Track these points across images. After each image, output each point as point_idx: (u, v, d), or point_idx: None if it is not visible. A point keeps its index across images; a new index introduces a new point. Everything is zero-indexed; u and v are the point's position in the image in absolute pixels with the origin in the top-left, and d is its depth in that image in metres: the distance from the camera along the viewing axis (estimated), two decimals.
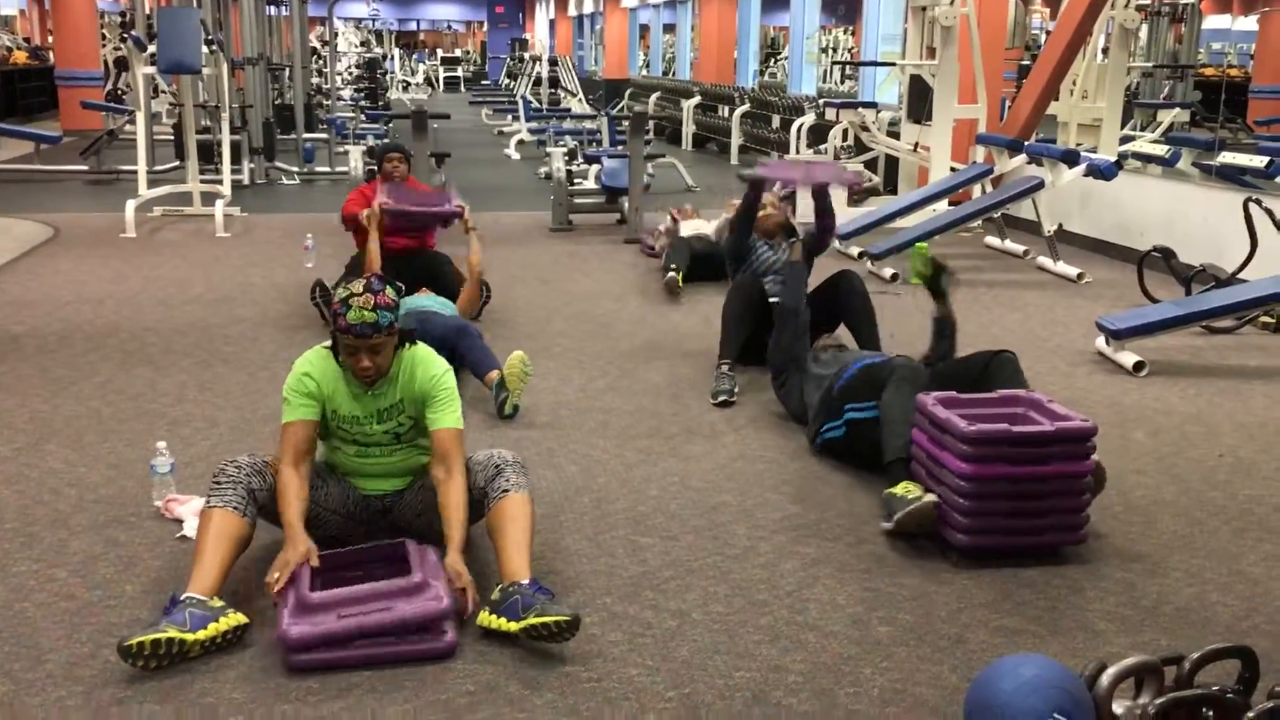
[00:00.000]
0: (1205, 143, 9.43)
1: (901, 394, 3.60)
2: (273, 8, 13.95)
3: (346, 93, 19.51)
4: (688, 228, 7.42)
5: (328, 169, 12.18)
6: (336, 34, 18.89)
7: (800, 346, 4.43)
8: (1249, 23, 13.58)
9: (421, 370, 3.06)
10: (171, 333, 5.66)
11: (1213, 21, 13.56)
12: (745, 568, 3.14)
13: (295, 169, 11.92)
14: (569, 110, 16.43)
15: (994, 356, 3.79)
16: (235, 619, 2.68)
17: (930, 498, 3.18)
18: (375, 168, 6.39)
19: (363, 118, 15.35)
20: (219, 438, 4.12)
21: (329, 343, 3.08)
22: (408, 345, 3.09)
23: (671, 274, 6.59)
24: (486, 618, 2.70)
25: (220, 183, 9.25)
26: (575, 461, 3.95)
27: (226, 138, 9.62)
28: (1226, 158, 8.19)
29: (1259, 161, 7.65)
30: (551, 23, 36.23)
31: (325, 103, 15.37)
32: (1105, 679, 2.21)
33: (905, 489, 3.30)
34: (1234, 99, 13.11)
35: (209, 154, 9.95)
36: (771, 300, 5.07)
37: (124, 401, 4.56)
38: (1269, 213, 5.96)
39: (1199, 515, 3.55)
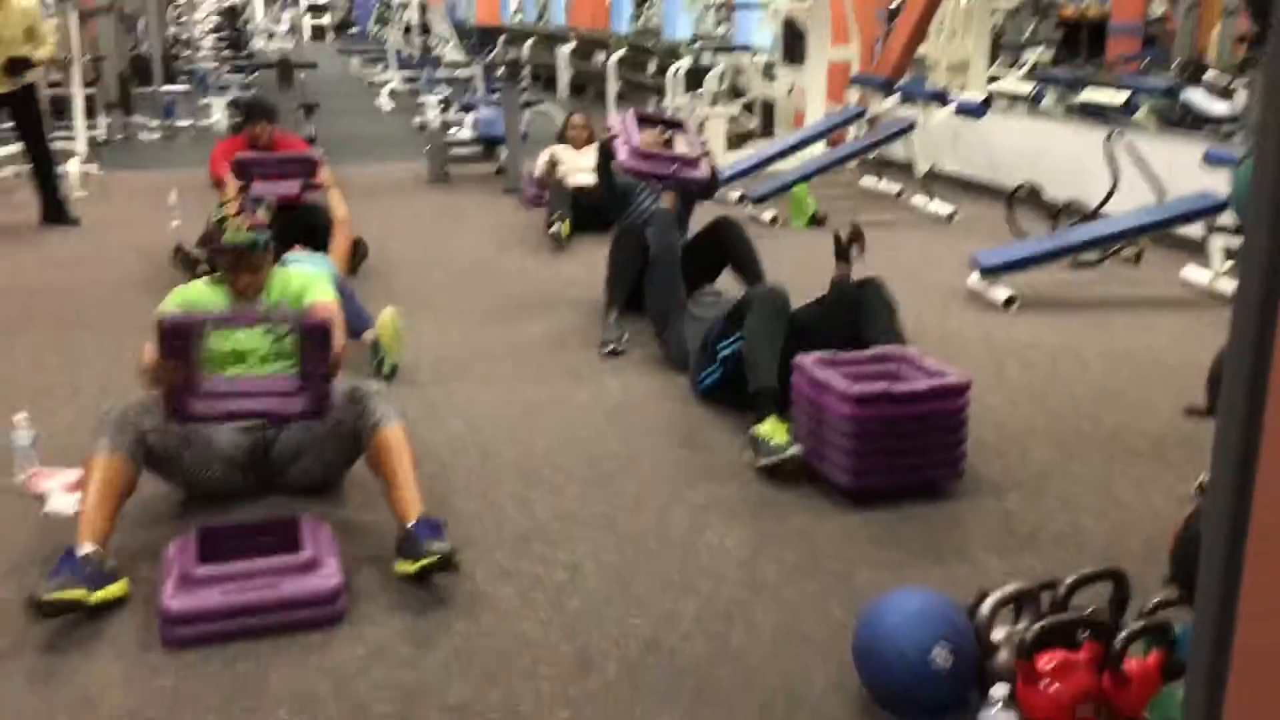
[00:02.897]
0: (1068, 80, 9.68)
1: (764, 319, 3.65)
2: None
3: (208, 42, 18.74)
4: (573, 163, 7.17)
5: (190, 122, 11.71)
6: None
7: (674, 293, 4.45)
8: None
9: (294, 279, 3.33)
10: (27, 297, 5.40)
11: None
12: (635, 517, 3.14)
13: (155, 123, 11.43)
14: (442, 59, 16.07)
15: (864, 282, 3.85)
16: (120, 588, 2.63)
17: (794, 450, 3.27)
18: (240, 121, 6.18)
19: (226, 68, 14.78)
20: (83, 407, 3.94)
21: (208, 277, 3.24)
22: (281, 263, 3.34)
23: (556, 226, 6.49)
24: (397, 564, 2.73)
25: (74, 139, 8.81)
26: (460, 416, 3.90)
27: (79, 92, 9.15)
28: (1088, 95, 8.42)
29: (1119, 98, 7.88)
30: None
31: (185, 53, 14.74)
32: (985, 607, 2.28)
33: (771, 429, 3.36)
34: (1093, 37, 13.48)
35: (62, 110, 9.46)
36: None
37: None
38: (1130, 147, 6.15)
39: (1071, 444, 3.68)
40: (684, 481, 3.37)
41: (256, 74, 14.07)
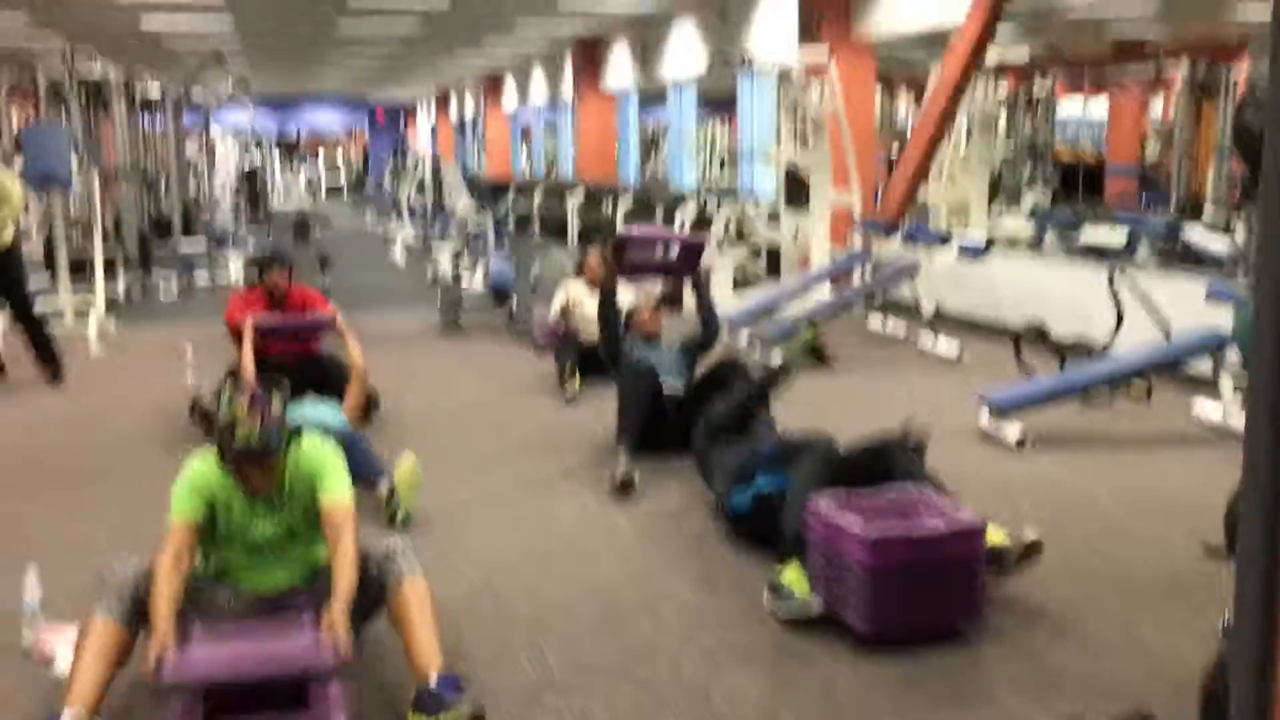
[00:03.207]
0: (1068, 221, 9.87)
1: (815, 471, 3.62)
2: (147, 119, 13.78)
3: (226, 201, 19.26)
4: (593, 300, 7.10)
5: (209, 279, 11.95)
6: (213, 143, 18.72)
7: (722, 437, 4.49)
8: (1100, 108, 14.35)
9: (306, 457, 3.04)
10: (43, 456, 5.43)
11: (1066, 108, 14.29)
12: (649, 664, 3.09)
13: (173, 280, 11.66)
14: (453, 212, 16.45)
15: (897, 444, 3.83)
16: None
17: (815, 607, 3.23)
18: (258, 275, 6.30)
19: (243, 226, 15.16)
20: (97, 566, 3.89)
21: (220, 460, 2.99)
22: (294, 441, 3.05)
23: (570, 384, 6.49)
24: (411, 718, 2.68)
25: (93, 298, 8.99)
26: (472, 564, 3.87)
27: (99, 252, 9.39)
28: (1089, 235, 8.57)
29: (1119, 237, 8.02)
30: (433, 128, 36.48)
31: (204, 214, 15.15)
32: None
33: (794, 578, 3.32)
34: (1090, 179, 13.79)
35: (82, 269, 9.68)
36: (667, 394, 5.11)
37: None
38: (1132, 286, 6.22)
39: (1090, 584, 3.63)
40: (699, 625, 3.32)
41: (273, 232, 14.40)
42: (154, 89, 13.11)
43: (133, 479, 4.93)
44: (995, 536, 3.34)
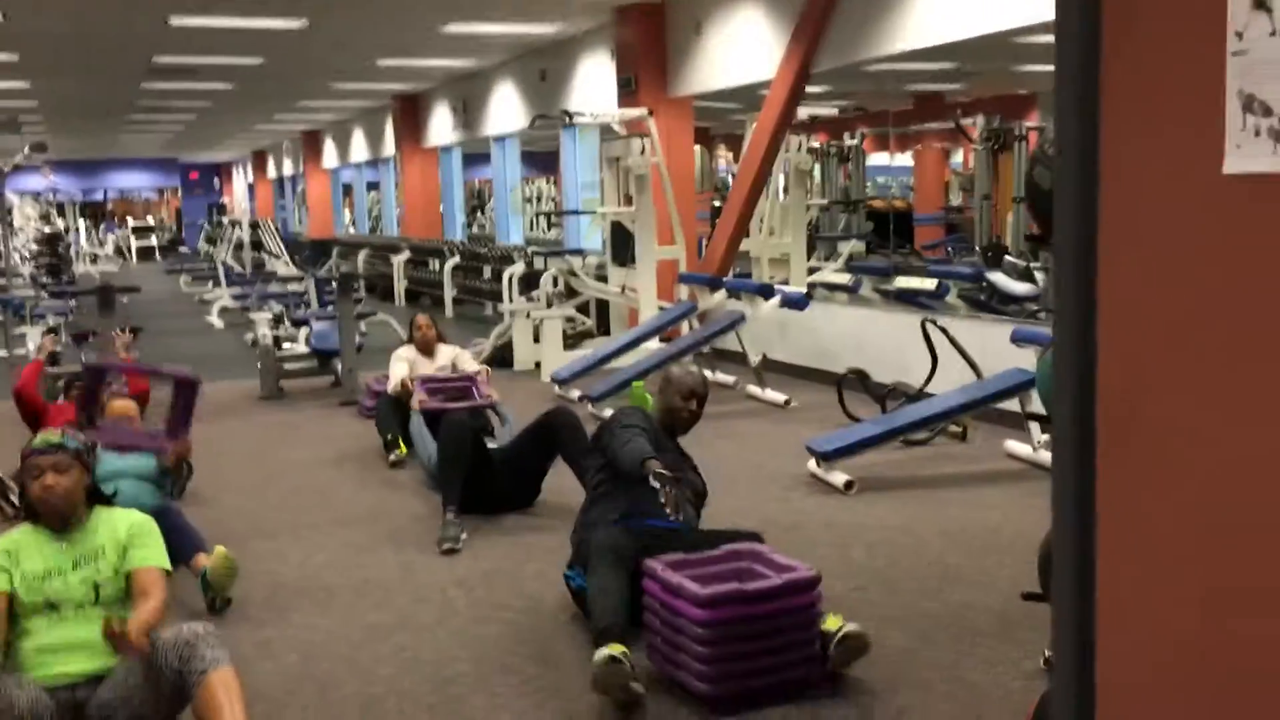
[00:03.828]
0: (883, 269, 10.24)
1: (606, 570, 3.42)
2: None
3: (26, 269, 18.23)
4: (431, 365, 6.91)
5: (3, 353, 11.22)
6: (11, 209, 17.72)
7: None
8: (906, 159, 15.04)
9: (121, 516, 3.09)
10: None
11: (875, 159, 14.92)
12: None
13: None
14: (274, 273, 15.99)
15: (739, 539, 3.77)
16: None
17: (604, 652, 3.04)
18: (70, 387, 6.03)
19: (44, 296, 14.34)
20: None
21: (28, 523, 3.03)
22: (107, 504, 3.12)
23: (395, 454, 6.25)
24: None
25: None
26: (295, 649, 3.68)
27: None
28: (902, 282, 8.90)
29: (930, 284, 8.36)
30: (250, 186, 35.51)
31: (0, 282, 14.26)
32: None
33: (610, 649, 3.09)
34: (901, 227, 14.39)
35: None
36: (490, 446, 5.09)
37: None
38: (944, 330, 6.48)
39: (921, 626, 3.70)
40: (537, 699, 3.23)
41: (76, 300, 13.67)
42: None
43: None
44: (831, 622, 3.30)
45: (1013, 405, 5.96)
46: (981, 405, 5.92)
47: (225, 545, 4.11)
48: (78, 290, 14.13)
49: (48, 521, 3.00)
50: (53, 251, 19.28)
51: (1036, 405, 5.70)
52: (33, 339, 11.21)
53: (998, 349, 6.12)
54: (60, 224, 23.91)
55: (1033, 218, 1.92)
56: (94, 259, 27.18)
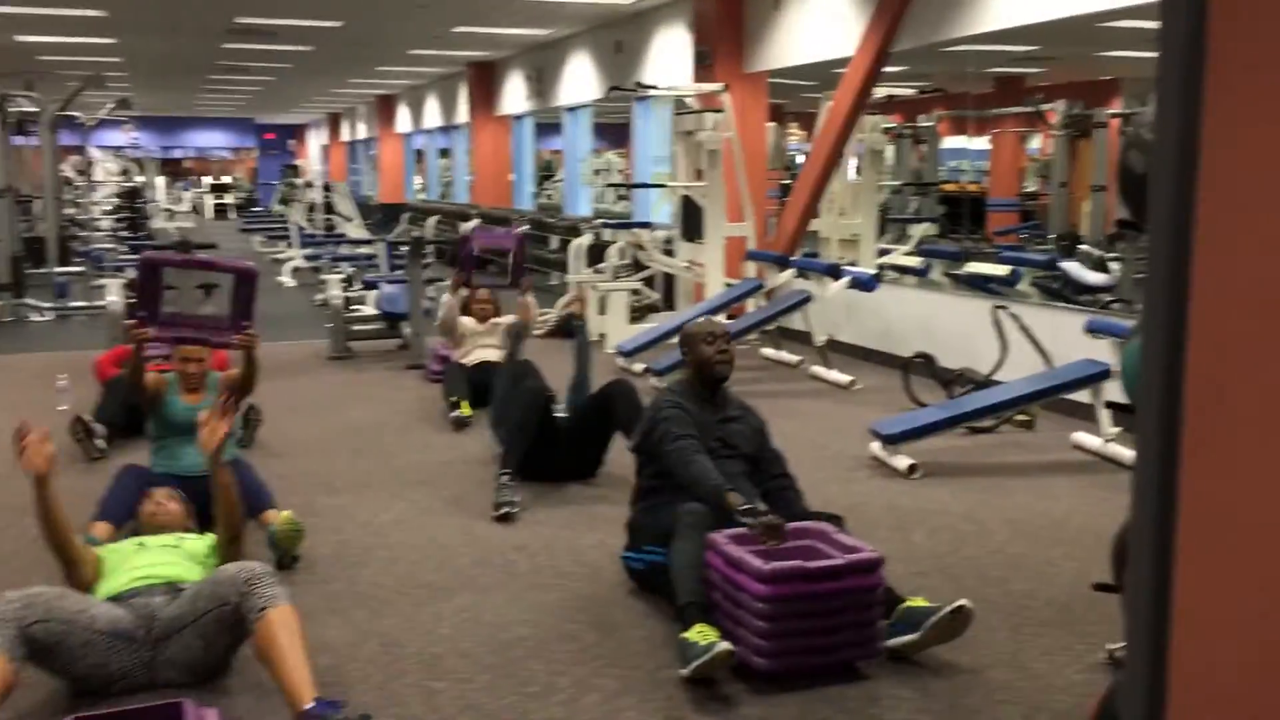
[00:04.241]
0: (953, 254, 10.12)
1: (688, 543, 3.43)
2: (21, 138, 13.26)
3: (105, 223, 18.63)
4: (480, 333, 7.09)
5: (84, 304, 11.51)
6: (92, 163, 18.11)
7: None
8: (983, 142, 14.80)
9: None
10: None
11: (950, 142, 14.71)
12: (545, 705, 3.03)
13: (47, 305, 11.21)
14: (345, 236, 16.19)
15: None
16: None
17: (724, 646, 3.05)
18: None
19: (123, 249, 14.66)
20: None
21: None
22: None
23: (458, 412, 6.39)
24: None
25: None
26: (361, 604, 3.76)
27: None
28: (973, 267, 8.79)
29: (1002, 270, 8.24)
30: (324, 148, 35.91)
31: (81, 234, 14.63)
32: None
33: (700, 633, 3.13)
34: (973, 212, 14.19)
35: None
36: (557, 415, 5.10)
37: None
38: (1015, 318, 6.39)
39: (981, 613, 3.66)
40: (595, 666, 3.27)
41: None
42: (28, 106, 12.62)
43: (2, 516, 4.69)
44: (915, 600, 3.31)
45: (1083, 396, 5.88)
46: (1051, 395, 5.84)
47: (293, 501, 4.21)
48: (156, 244, 14.43)
49: None
50: (131, 206, 19.65)
51: (1113, 394, 5.63)
52: (112, 291, 11.48)
53: (1069, 339, 6.03)
54: (139, 180, 24.35)
55: (1124, 203, 1.88)
56: (170, 215, 27.69)
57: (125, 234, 17.55)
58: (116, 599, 3.10)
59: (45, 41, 14.89)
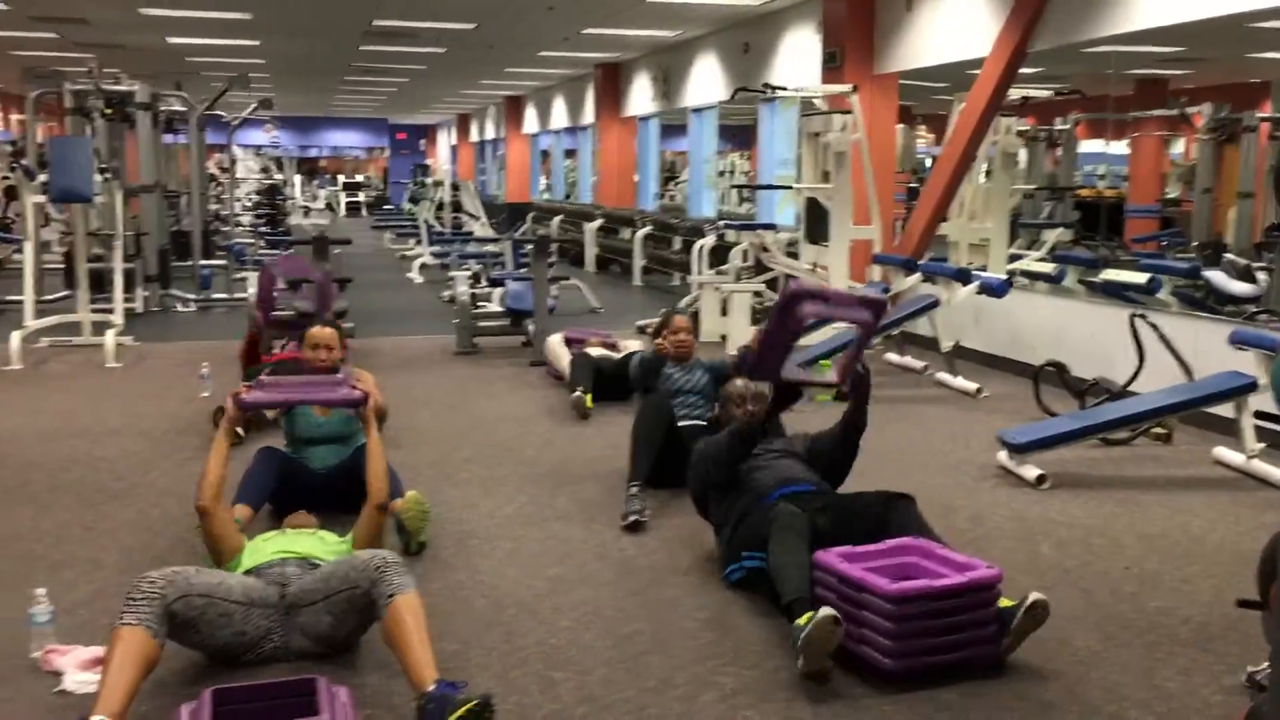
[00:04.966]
0: (1089, 260, 9.81)
1: (785, 544, 3.48)
2: (170, 136, 13.86)
3: (246, 219, 19.36)
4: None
5: (225, 295, 11.98)
6: (235, 161, 18.81)
7: (727, 469, 4.30)
8: (1122, 146, 14.32)
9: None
10: (56, 468, 5.41)
11: (1087, 145, 14.26)
12: (663, 700, 3.04)
13: (191, 296, 11.70)
14: (472, 234, 16.51)
15: (891, 500, 3.75)
16: None
17: (828, 611, 3.08)
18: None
19: (262, 243, 15.21)
20: (104, 581, 3.90)
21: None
22: None
23: (578, 394, 6.53)
24: None
25: (112, 311, 9.02)
26: (483, 594, 3.83)
27: (119, 266, 9.42)
28: (1109, 274, 8.51)
29: (1140, 278, 7.97)
30: (453, 148, 36.66)
31: (224, 229, 15.23)
32: None
33: (808, 618, 3.15)
34: (1110, 218, 13.74)
35: (101, 283, 9.71)
36: (680, 424, 5.06)
37: (2, 544, 4.31)
38: (1154, 327, 6.17)
39: (1111, 629, 3.56)
40: (714, 664, 3.27)
41: (293, 249, 14.45)
42: (178, 105, 13.18)
43: (145, 498, 4.90)
44: (1005, 601, 3.27)
45: (1224, 410, 5.65)
46: (1190, 407, 5.63)
47: (419, 492, 4.30)
48: (294, 239, 14.92)
49: None
50: (271, 203, 20.39)
51: (1261, 407, 5.40)
52: (252, 283, 11.92)
53: (1211, 350, 5.81)
54: (278, 177, 25.25)
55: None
56: (306, 212, 28.64)
57: (264, 229, 18.22)
58: (251, 572, 3.28)
59: (194, 44, 15.53)
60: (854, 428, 4.13)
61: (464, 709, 2.63)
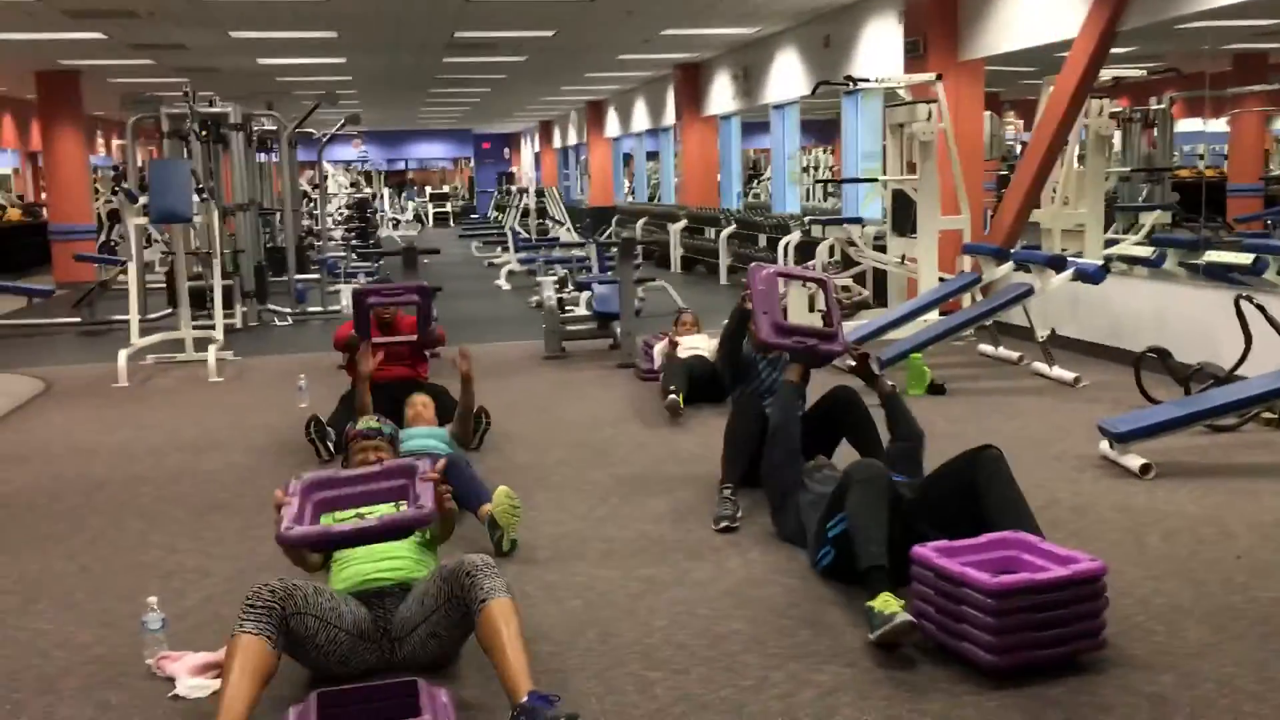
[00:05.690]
0: (1189, 242, 9.52)
1: (864, 496, 3.55)
2: (263, 154, 14.22)
3: (338, 233, 19.77)
4: (686, 343, 7.36)
5: (320, 308, 12.25)
6: (326, 176, 19.24)
7: (792, 468, 4.35)
8: (1220, 124, 13.88)
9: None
10: (164, 481, 5.58)
11: (1185, 124, 13.85)
12: (760, 699, 3.02)
13: (288, 310, 11.99)
14: (558, 239, 16.64)
15: (977, 454, 3.71)
16: None
17: (905, 618, 3.16)
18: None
19: (354, 257, 15.52)
20: (213, 589, 4.01)
21: None
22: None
23: (672, 396, 6.52)
24: None
25: (213, 328, 9.28)
26: (578, 595, 3.85)
27: (218, 283, 9.69)
28: (1212, 256, 8.25)
29: (1245, 259, 7.70)
30: (537, 155, 37.00)
31: (316, 243, 15.59)
32: None
33: (884, 602, 3.25)
34: (1211, 198, 13.32)
35: (202, 300, 10.01)
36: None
37: (115, 555, 4.46)
38: (1260, 308, 5.96)
39: (1223, 620, 3.45)
40: (811, 662, 3.24)
41: (383, 261, 14.72)
42: (269, 125, 13.52)
43: (249, 508, 5.03)
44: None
45: None
46: None
47: (509, 488, 4.34)
48: (384, 251, 15.22)
49: None
50: (361, 216, 20.78)
51: None
52: (345, 295, 12.18)
53: None
54: (368, 191, 25.77)
55: None
56: (395, 224, 29.19)
57: (356, 242, 18.58)
58: (359, 595, 3.23)
59: (283, 64, 15.92)
60: (909, 439, 4.48)
61: None
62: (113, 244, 16.85)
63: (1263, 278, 7.61)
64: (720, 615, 3.63)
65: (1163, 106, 12.43)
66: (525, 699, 2.72)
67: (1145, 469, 5.07)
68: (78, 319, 11.80)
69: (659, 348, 7.67)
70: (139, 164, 13.22)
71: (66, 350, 10.48)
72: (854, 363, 4.78)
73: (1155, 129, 12.82)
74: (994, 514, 3.53)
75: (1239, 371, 6.02)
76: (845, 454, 4.79)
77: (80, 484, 5.59)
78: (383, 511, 3.21)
